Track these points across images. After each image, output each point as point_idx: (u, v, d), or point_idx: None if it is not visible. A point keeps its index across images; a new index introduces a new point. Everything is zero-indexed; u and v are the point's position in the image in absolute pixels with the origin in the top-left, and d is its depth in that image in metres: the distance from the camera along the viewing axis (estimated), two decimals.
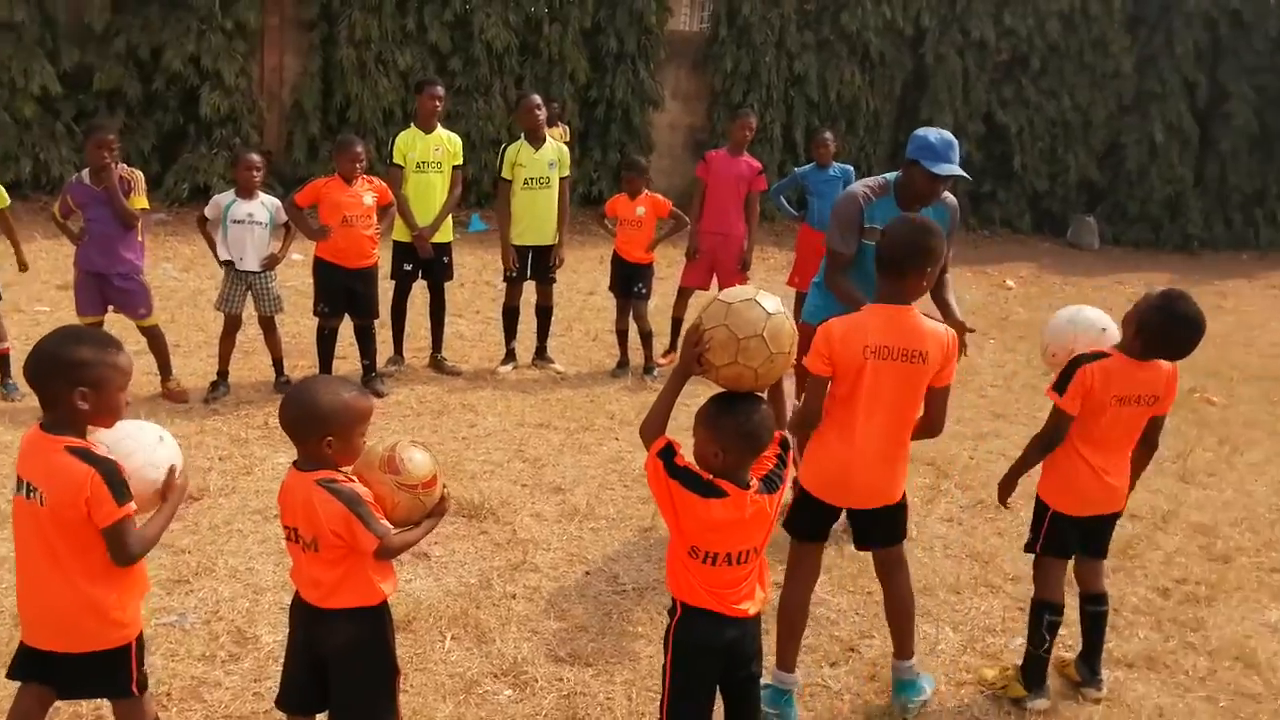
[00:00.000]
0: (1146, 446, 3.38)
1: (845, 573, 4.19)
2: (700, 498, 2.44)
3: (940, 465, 5.64)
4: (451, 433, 5.67)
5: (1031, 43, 17.70)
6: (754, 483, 2.50)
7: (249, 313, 6.18)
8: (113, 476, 2.31)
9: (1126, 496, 3.41)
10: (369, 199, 6.17)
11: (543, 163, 6.82)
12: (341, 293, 6.19)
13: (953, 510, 5.05)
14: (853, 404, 2.99)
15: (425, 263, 6.75)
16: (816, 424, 3.08)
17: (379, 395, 6.22)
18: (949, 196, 4.17)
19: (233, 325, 6.12)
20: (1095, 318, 3.69)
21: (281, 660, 3.01)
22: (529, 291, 7.14)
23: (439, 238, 6.75)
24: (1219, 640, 3.88)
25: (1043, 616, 3.34)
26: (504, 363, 7.09)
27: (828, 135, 7.87)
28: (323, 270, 6.20)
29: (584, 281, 10.46)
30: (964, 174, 3.94)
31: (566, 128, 13.88)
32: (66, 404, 2.33)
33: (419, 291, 6.97)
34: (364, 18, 14.52)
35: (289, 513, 2.49)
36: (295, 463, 2.50)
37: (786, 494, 2.66)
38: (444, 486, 2.60)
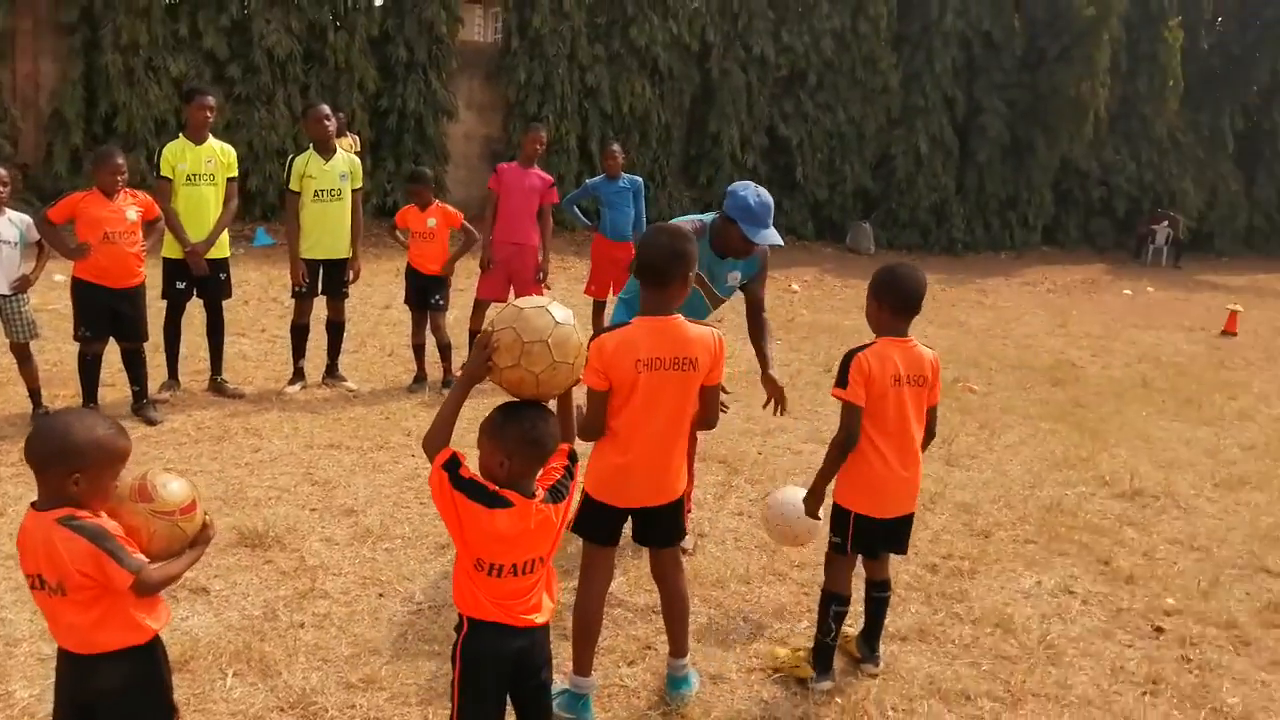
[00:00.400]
0: (926, 436, 3.57)
1: (642, 573, 4.27)
2: (485, 508, 2.43)
3: (731, 462, 5.87)
4: (233, 459, 5.39)
5: (808, 59, 18.70)
6: (539, 492, 2.52)
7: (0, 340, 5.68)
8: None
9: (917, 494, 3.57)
10: (132, 214, 5.78)
11: (333, 174, 6.61)
12: (105, 315, 5.77)
13: (743, 504, 5.26)
14: (629, 413, 3.05)
15: (200, 280, 6.40)
16: (600, 436, 3.12)
17: (151, 423, 5.85)
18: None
19: None
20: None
21: (40, 717, 2.81)
22: (319, 307, 6.90)
23: (215, 253, 6.43)
24: (981, 610, 4.22)
25: (830, 607, 3.50)
26: (291, 383, 6.81)
27: (616, 148, 8.05)
28: (83, 291, 5.75)
29: (379, 295, 10.21)
30: (779, 242, 4.04)
31: (357, 138, 13.49)
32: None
33: (197, 311, 6.60)
34: (131, 21, 13.66)
35: (29, 558, 2.27)
36: (34, 503, 2.29)
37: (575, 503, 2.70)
38: (205, 513, 2.47)
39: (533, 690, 2.58)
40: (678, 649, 3.39)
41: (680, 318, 3.11)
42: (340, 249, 6.73)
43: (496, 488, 2.46)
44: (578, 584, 3.26)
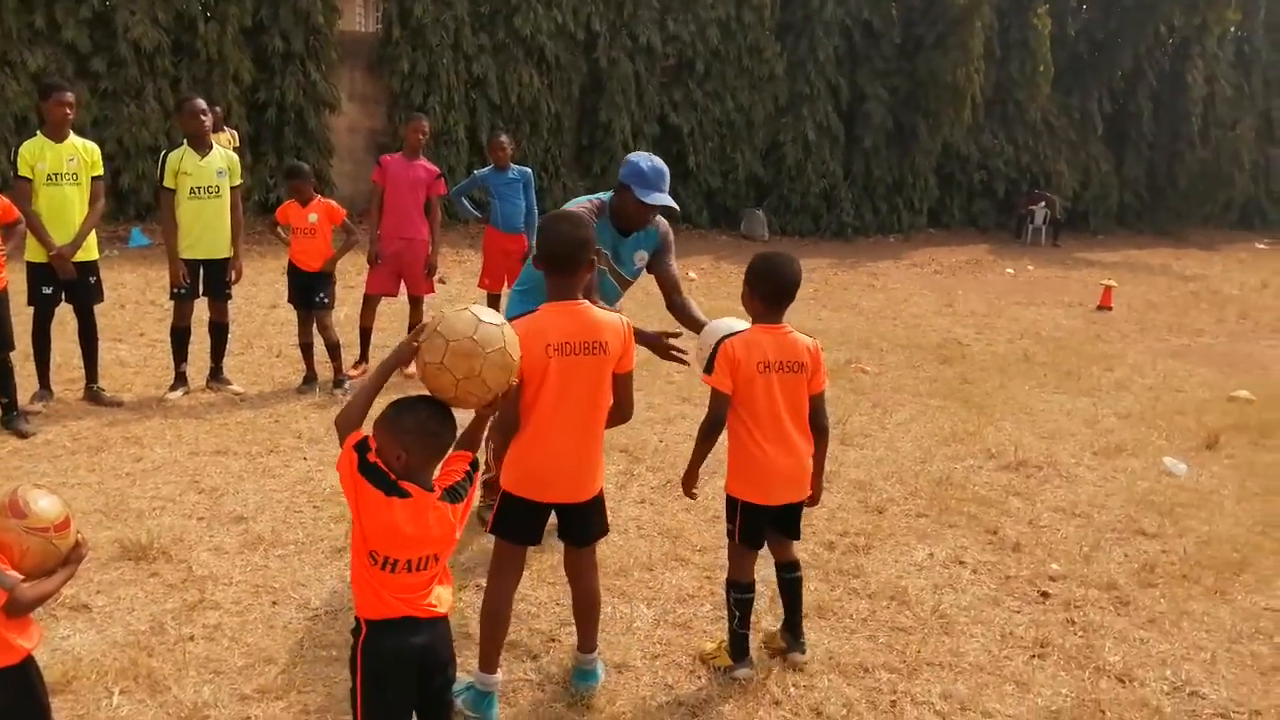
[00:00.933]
0: (817, 431, 3.52)
1: (545, 565, 4.25)
2: (384, 495, 2.40)
3: (632, 451, 5.87)
4: (113, 470, 5.14)
5: (695, 48, 18.80)
6: (437, 490, 2.48)
7: None
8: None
9: (811, 480, 3.53)
10: None
11: (210, 170, 6.35)
12: None
13: (644, 492, 5.27)
14: (543, 402, 3.00)
15: (68, 284, 6.08)
16: (516, 429, 3.04)
17: (23, 436, 5.55)
18: (659, 220, 4.24)
19: None
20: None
21: None
22: (201, 309, 6.63)
23: (84, 256, 6.11)
24: (877, 584, 4.32)
25: (731, 595, 3.52)
26: (173, 388, 6.53)
27: (504, 138, 7.95)
28: None
29: (265, 295, 9.89)
30: (673, 204, 3.99)
31: (235, 133, 13.03)
32: None
33: (67, 317, 6.27)
34: None
35: None
36: None
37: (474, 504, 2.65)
38: (78, 531, 2.35)
39: (437, 689, 2.54)
40: (586, 644, 3.37)
41: (586, 303, 3.08)
42: (220, 248, 6.47)
43: (395, 477, 2.41)
44: (487, 581, 3.22)
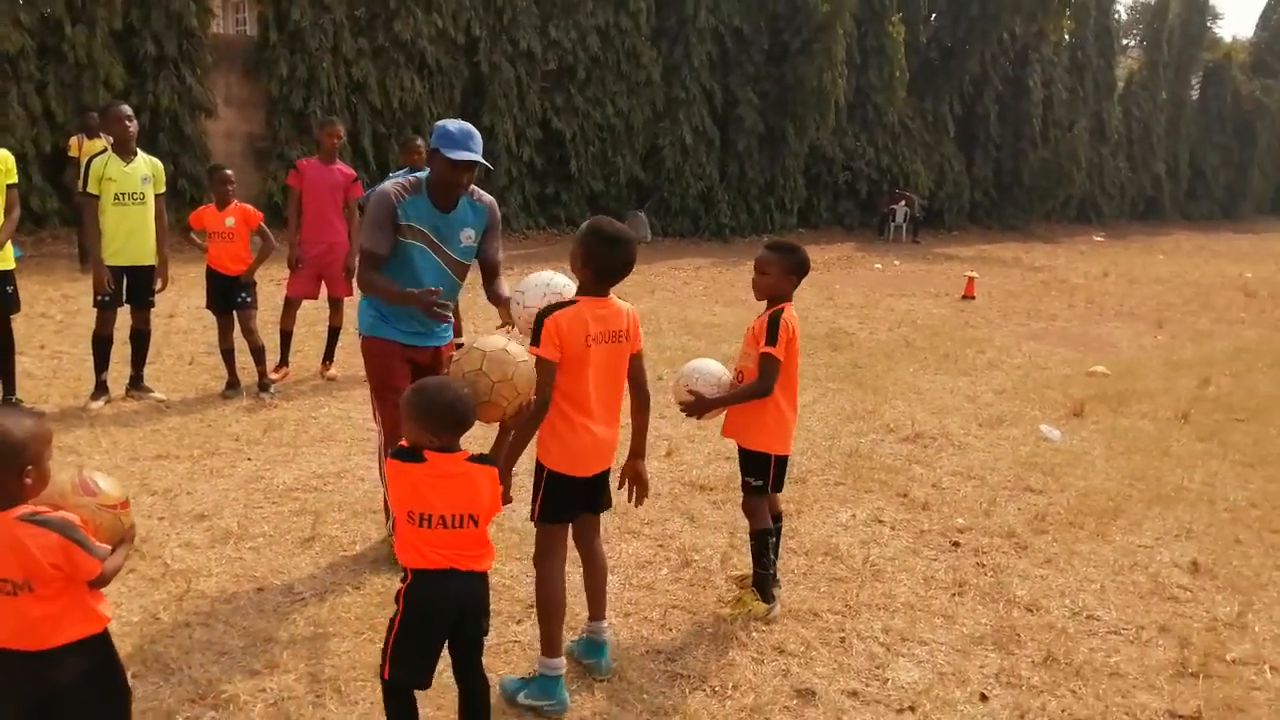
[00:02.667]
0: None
1: (509, 542, 4.53)
2: (404, 463, 2.71)
3: None
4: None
5: (576, 54, 19.18)
6: (464, 453, 2.78)
7: None
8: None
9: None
10: None
11: (135, 177, 6.34)
12: None
13: None
14: (584, 386, 3.25)
15: None
16: (547, 407, 3.21)
17: None
18: (484, 195, 4.16)
19: None
20: (713, 368, 4.05)
21: None
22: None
23: None
24: (811, 542, 4.78)
25: (765, 540, 3.98)
26: (95, 397, 6.47)
27: (419, 141, 8.06)
28: None
29: (162, 304, 9.65)
30: (482, 161, 3.91)
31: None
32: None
33: None
34: None
35: None
36: None
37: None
38: None
39: (472, 636, 2.82)
40: (597, 612, 3.54)
41: (614, 296, 3.32)
42: (145, 255, 6.46)
43: (410, 445, 2.74)
44: (538, 570, 3.36)
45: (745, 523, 4.84)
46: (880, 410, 7.31)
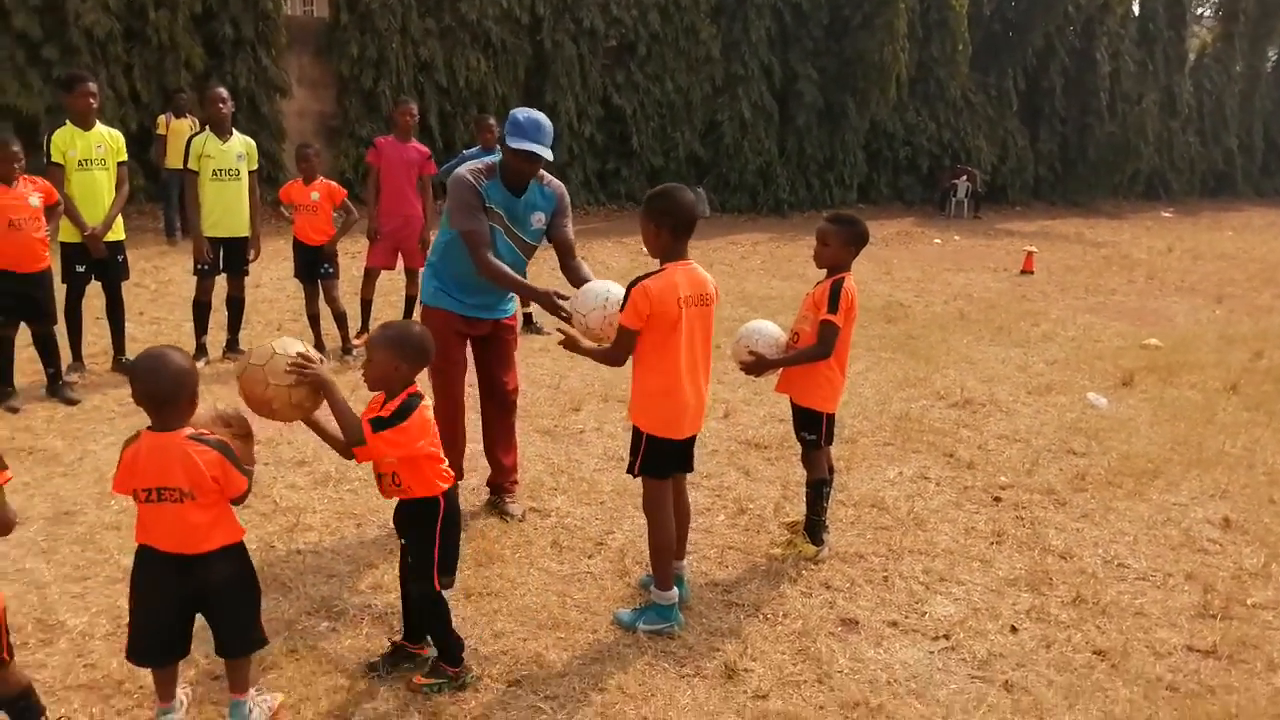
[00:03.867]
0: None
1: (578, 490, 4.95)
2: (419, 412, 3.08)
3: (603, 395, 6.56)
4: None
5: (636, 31, 19.42)
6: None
7: None
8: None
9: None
10: (35, 200, 5.91)
11: (231, 154, 6.84)
12: (15, 300, 5.88)
13: (615, 430, 5.93)
14: (677, 349, 3.51)
15: (99, 263, 6.53)
16: (621, 364, 3.60)
17: (71, 403, 6.02)
18: (553, 180, 4.34)
19: None
20: (771, 330, 4.32)
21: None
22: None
23: (111, 236, 6.57)
24: (859, 495, 5.11)
25: (821, 489, 4.35)
26: (195, 359, 7.02)
27: (492, 121, 8.48)
28: None
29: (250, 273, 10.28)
30: (545, 154, 4.04)
31: (195, 120, 13.28)
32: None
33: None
34: None
35: (159, 474, 2.70)
36: (151, 428, 2.75)
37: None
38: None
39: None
40: (680, 552, 3.90)
41: (694, 261, 3.58)
42: (240, 227, 6.97)
43: (405, 394, 3.10)
44: (649, 518, 3.72)
45: (796, 477, 5.23)
46: (931, 378, 7.58)
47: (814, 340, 4.28)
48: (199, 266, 6.93)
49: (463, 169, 4.26)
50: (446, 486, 3.19)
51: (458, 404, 4.53)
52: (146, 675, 3.13)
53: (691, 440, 3.78)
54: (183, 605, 2.85)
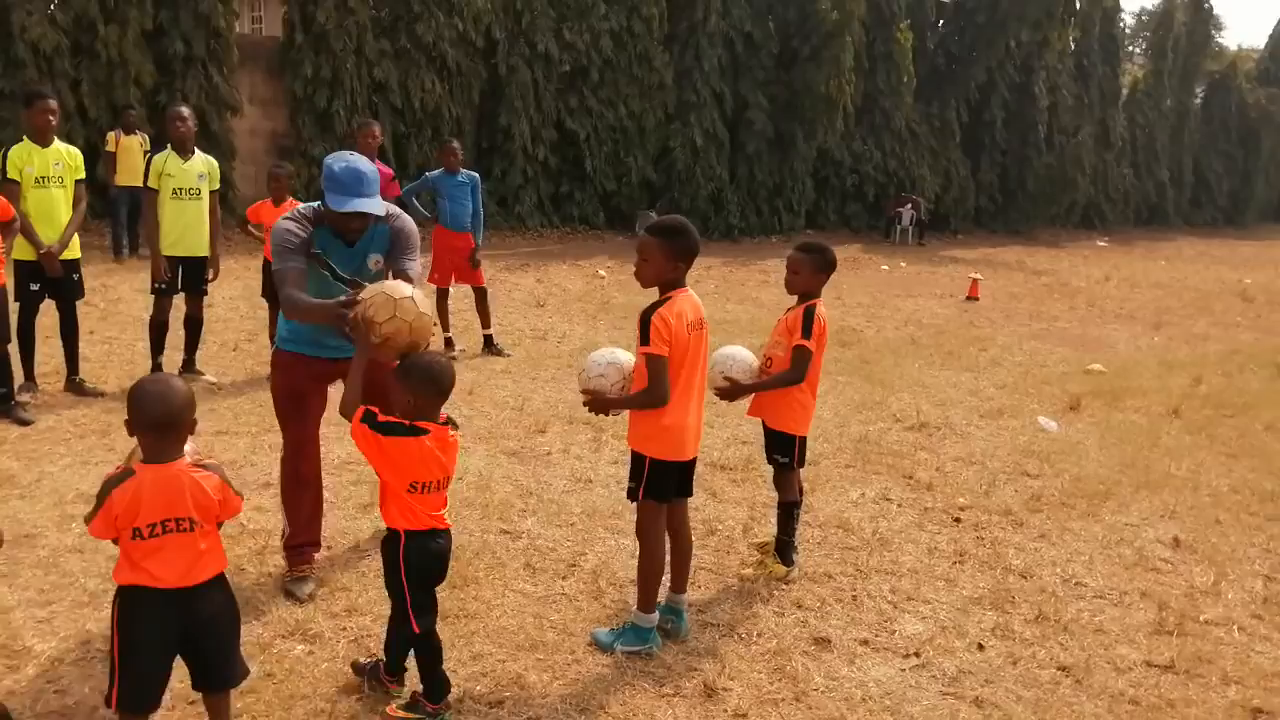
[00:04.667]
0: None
1: (548, 511, 4.97)
2: (411, 438, 3.08)
3: (595, 423, 6.60)
4: (125, 451, 5.56)
5: (590, 56, 19.61)
6: (444, 418, 3.21)
7: None
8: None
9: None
10: None
11: (192, 174, 6.77)
12: None
13: (615, 455, 6.01)
14: (685, 374, 3.58)
15: (54, 281, 6.42)
16: (667, 401, 3.54)
17: (25, 423, 5.90)
18: (391, 215, 3.91)
19: None
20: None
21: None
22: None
23: (67, 254, 6.46)
24: (824, 516, 5.20)
25: (792, 511, 4.43)
26: None
27: (456, 144, 8.51)
28: None
29: None
30: (375, 210, 3.70)
31: (145, 136, 13.10)
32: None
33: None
34: None
35: (166, 506, 2.60)
36: (146, 460, 2.63)
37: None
38: None
39: (442, 576, 3.30)
40: (679, 585, 3.91)
41: (689, 288, 3.66)
42: (199, 247, 6.89)
43: (410, 422, 3.11)
44: (642, 544, 3.73)
45: (762, 498, 5.33)
46: (887, 401, 7.73)
47: (788, 365, 4.37)
48: (157, 285, 6.83)
49: (286, 218, 3.82)
50: (410, 527, 3.12)
51: (306, 453, 4.16)
52: None
53: (693, 463, 3.82)
54: (170, 646, 2.72)
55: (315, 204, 3.87)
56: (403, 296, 3.21)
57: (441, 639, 3.25)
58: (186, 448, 2.75)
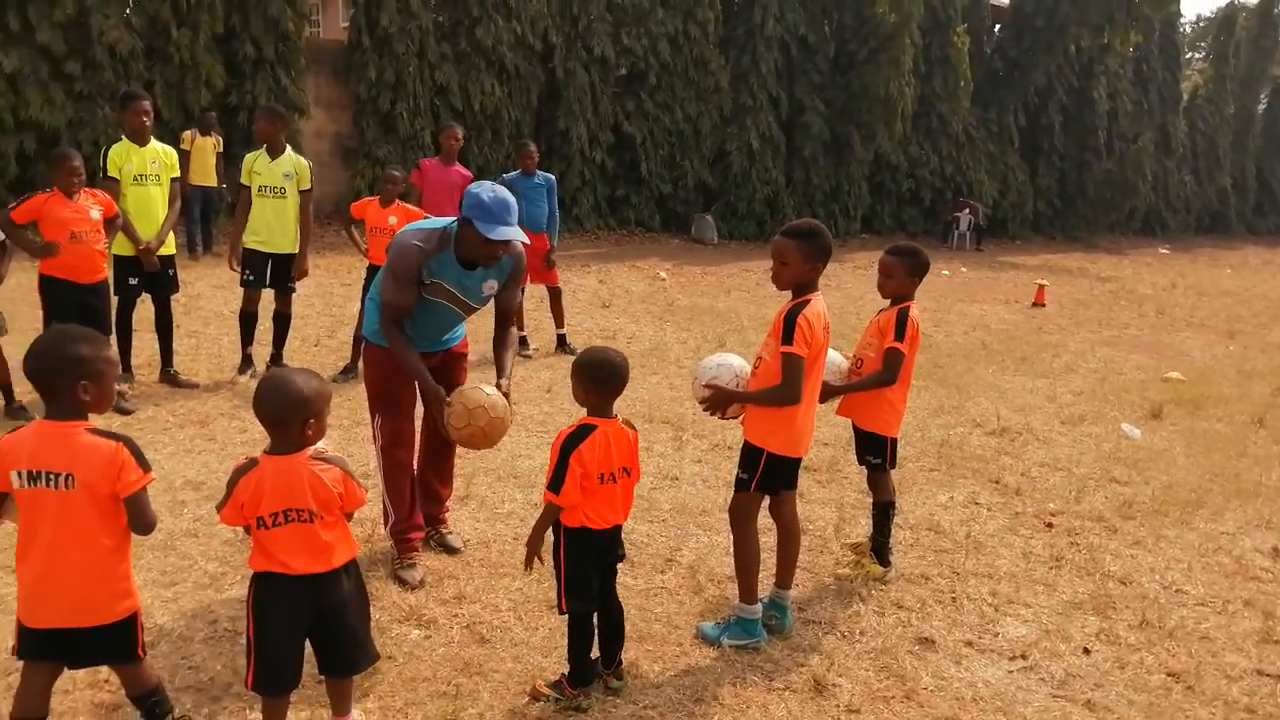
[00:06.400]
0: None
1: (639, 506, 5.01)
2: (585, 439, 3.18)
3: (674, 423, 6.65)
4: (227, 440, 5.72)
5: (647, 60, 19.68)
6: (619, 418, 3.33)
7: None
8: (135, 447, 2.60)
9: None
10: (95, 213, 5.97)
11: (278, 173, 6.91)
12: (73, 310, 5.90)
13: (697, 454, 6.05)
14: (811, 374, 3.66)
15: (151, 276, 6.59)
16: (799, 401, 3.61)
17: (125, 413, 6.06)
18: (515, 245, 3.91)
19: None
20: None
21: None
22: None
23: (163, 250, 6.63)
24: (914, 519, 5.19)
25: (888, 513, 4.45)
26: (241, 371, 7.08)
27: (532, 147, 8.60)
28: (52, 288, 5.90)
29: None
30: (521, 238, 3.81)
31: (219, 138, 13.40)
32: (71, 397, 2.52)
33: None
34: None
35: (286, 496, 2.68)
36: (269, 451, 2.72)
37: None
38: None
39: (610, 566, 3.38)
40: (784, 581, 3.94)
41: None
42: (285, 245, 7.01)
43: (579, 423, 3.24)
44: (738, 530, 3.81)
45: (850, 499, 5.34)
46: (965, 406, 7.68)
47: (879, 367, 4.37)
48: (245, 277, 6.97)
49: (411, 240, 3.85)
50: (594, 526, 3.22)
51: (403, 442, 4.23)
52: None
53: (800, 459, 3.87)
54: (302, 630, 2.81)
55: (442, 225, 3.90)
56: (477, 406, 3.63)
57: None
58: (321, 443, 2.82)
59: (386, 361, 4.06)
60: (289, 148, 7.12)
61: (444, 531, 4.48)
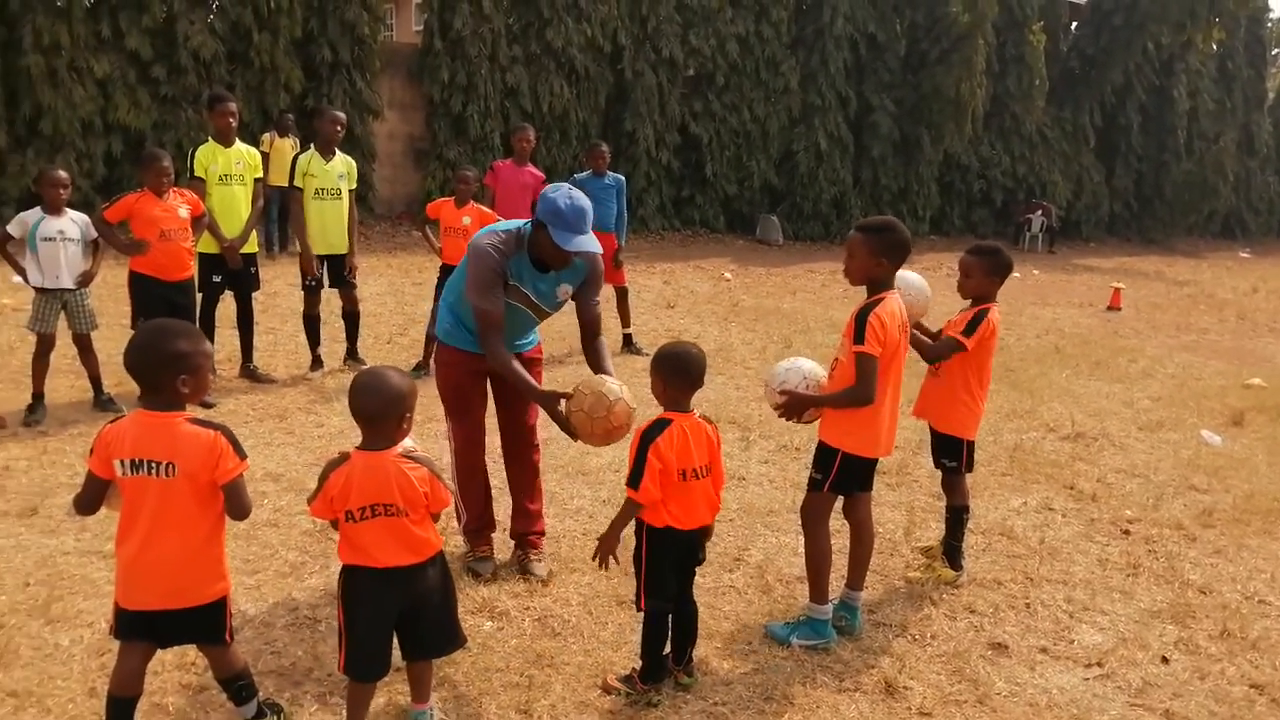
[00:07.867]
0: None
1: None
2: (664, 432, 3.20)
3: (741, 423, 6.66)
4: (305, 433, 5.88)
5: (715, 61, 19.67)
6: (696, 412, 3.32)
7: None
8: (232, 435, 2.68)
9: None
10: (183, 211, 6.19)
11: (333, 174, 7.06)
12: (161, 305, 6.13)
13: (764, 454, 6.06)
14: (884, 373, 3.61)
15: (234, 274, 6.80)
16: (871, 401, 3.58)
17: (207, 406, 6.25)
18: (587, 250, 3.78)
19: (46, 345, 5.90)
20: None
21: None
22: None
23: (245, 249, 6.83)
24: (986, 524, 5.13)
25: (961, 516, 4.40)
26: (313, 369, 7.26)
27: (604, 148, 8.67)
28: (141, 284, 6.14)
29: None
30: (596, 249, 3.72)
31: (296, 140, 13.74)
32: (171, 389, 2.63)
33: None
34: (50, 22, 13.52)
35: (375, 492, 2.75)
36: (361, 448, 2.78)
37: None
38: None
39: (692, 566, 3.40)
40: (856, 582, 3.92)
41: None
42: (340, 244, 7.17)
43: (656, 418, 3.25)
44: (810, 529, 3.80)
45: (920, 502, 5.29)
46: (1038, 410, 7.55)
47: (953, 365, 4.34)
48: (307, 281, 7.14)
49: (488, 244, 3.78)
50: (680, 526, 3.26)
51: (475, 445, 4.26)
52: (332, 664, 3.29)
53: (876, 460, 3.84)
54: (391, 620, 2.88)
55: (517, 227, 3.86)
56: (617, 399, 3.45)
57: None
58: (407, 442, 2.89)
59: (458, 363, 4.09)
60: (338, 149, 7.24)
61: (533, 557, 4.26)
